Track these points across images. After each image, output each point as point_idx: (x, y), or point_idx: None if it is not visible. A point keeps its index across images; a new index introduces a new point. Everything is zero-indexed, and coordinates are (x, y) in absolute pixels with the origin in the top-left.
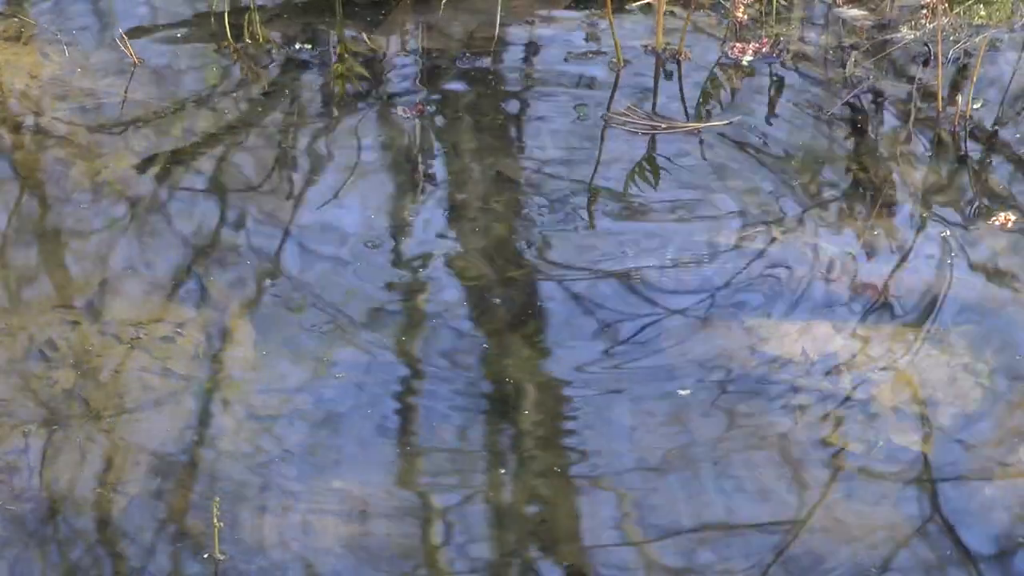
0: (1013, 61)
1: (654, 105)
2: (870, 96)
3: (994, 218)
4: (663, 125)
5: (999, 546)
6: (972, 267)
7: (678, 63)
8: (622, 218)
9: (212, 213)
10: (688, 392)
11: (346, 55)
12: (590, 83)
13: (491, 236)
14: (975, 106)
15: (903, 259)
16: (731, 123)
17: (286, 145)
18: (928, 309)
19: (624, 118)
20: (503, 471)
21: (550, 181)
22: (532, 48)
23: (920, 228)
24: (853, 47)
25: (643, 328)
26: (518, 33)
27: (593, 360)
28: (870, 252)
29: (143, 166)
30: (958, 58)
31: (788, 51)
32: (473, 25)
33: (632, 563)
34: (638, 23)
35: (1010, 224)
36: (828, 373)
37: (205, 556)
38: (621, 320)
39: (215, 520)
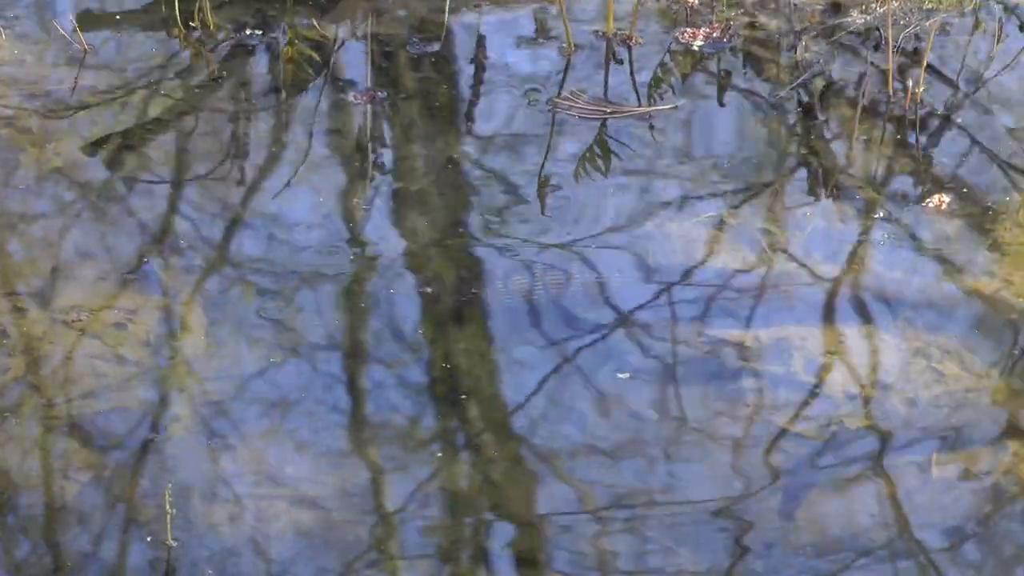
0: (963, 45)
1: (605, 90)
2: (820, 80)
3: (929, 200)
4: (608, 109)
5: (949, 531)
6: (920, 250)
7: (629, 48)
8: (571, 203)
9: (163, 199)
10: (628, 376)
11: (296, 41)
12: (541, 68)
13: (441, 222)
14: (920, 89)
15: (853, 242)
16: (676, 107)
17: (236, 131)
18: (878, 294)
19: (569, 103)
20: (453, 456)
21: (501, 167)
22: (482, 34)
23: (869, 211)
24: (804, 31)
25: (590, 313)
26: (468, 19)
27: (541, 344)
28: (818, 235)
29: (93, 152)
30: (908, 42)
31: (739, 36)
32: (423, 11)
33: (583, 547)
34: (588, 8)
35: (944, 206)
36: (779, 357)
37: (157, 542)
38: (569, 305)
39: (167, 507)
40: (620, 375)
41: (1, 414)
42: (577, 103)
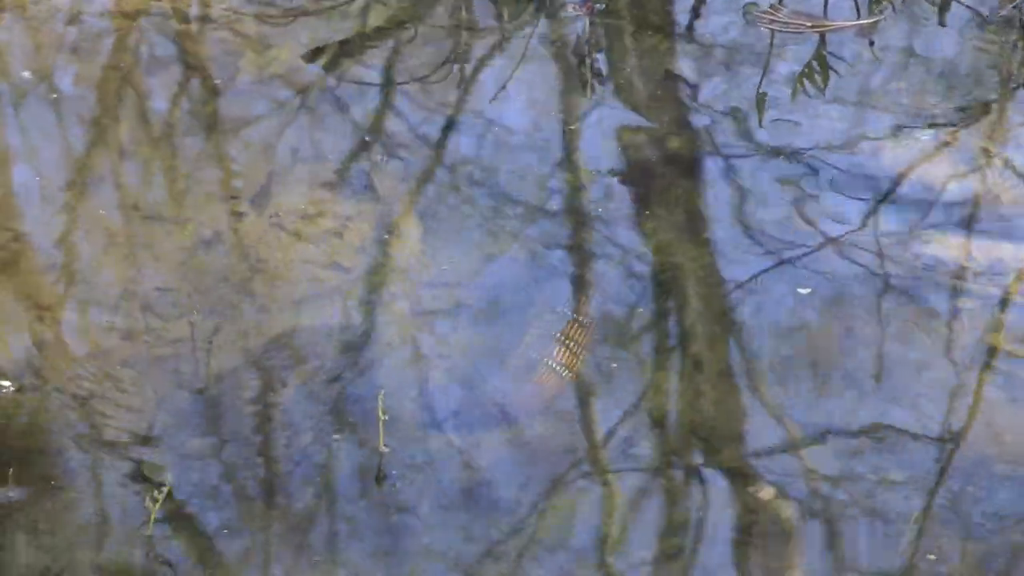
0: None
1: (825, 5)
2: None
3: None
4: (808, 24)
5: None
6: None
7: None
8: (787, 119)
9: (379, 105)
10: (808, 291)
11: None
12: None
13: (657, 133)
14: None
15: None
16: (877, 22)
17: (454, 40)
18: None
19: (769, 16)
20: (663, 370)
21: (717, 81)
22: None
23: None
24: None
25: (804, 230)
26: None
27: (754, 256)
28: None
29: (311, 57)
30: None
31: None
32: None
33: (789, 465)
34: None
35: None
36: (996, 278)
37: (369, 449)
38: (783, 220)
39: (380, 413)
40: (801, 290)
41: (216, 317)
42: (777, 16)
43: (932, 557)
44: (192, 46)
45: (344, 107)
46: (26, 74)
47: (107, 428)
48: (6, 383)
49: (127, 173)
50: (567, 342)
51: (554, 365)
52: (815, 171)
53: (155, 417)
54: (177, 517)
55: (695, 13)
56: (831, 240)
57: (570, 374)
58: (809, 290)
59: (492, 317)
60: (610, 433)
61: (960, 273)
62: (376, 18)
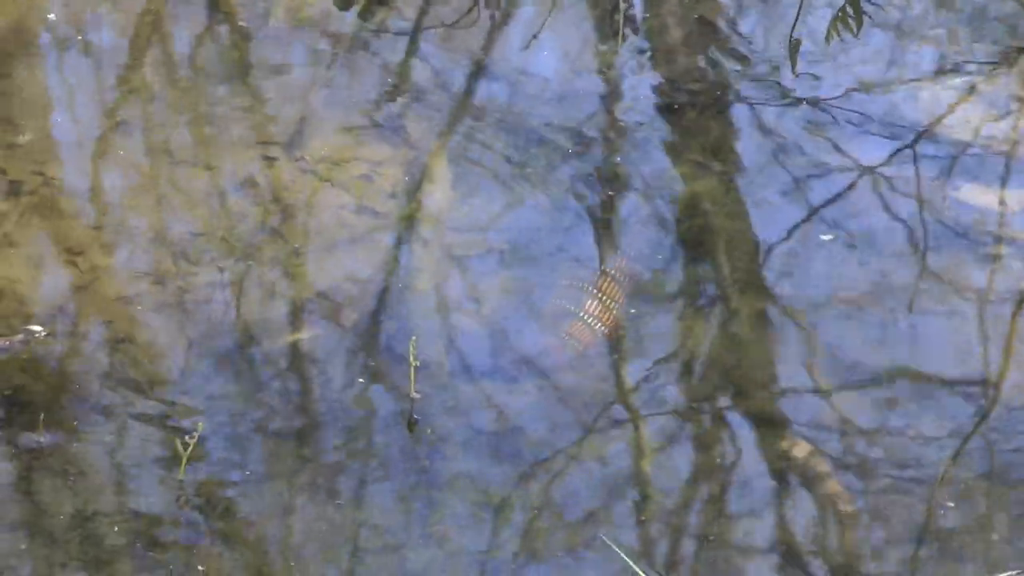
0: None
1: None
2: None
3: None
4: None
5: None
6: None
7: None
8: (819, 64)
9: (411, 51)
10: (831, 238)
11: None
12: None
13: (689, 80)
14: None
15: None
16: None
17: None
18: None
19: None
20: (695, 313)
21: (751, 25)
22: None
23: None
24: None
25: (834, 175)
26: None
27: (785, 200)
28: None
29: (344, 3)
30: None
31: None
32: None
33: (820, 413)
34: None
35: None
36: None
37: (400, 395)
38: (814, 166)
39: (411, 358)
40: (823, 236)
41: (246, 261)
42: None
43: (951, 504)
44: None
45: (376, 53)
46: (52, 16)
47: (138, 373)
48: (37, 328)
49: (158, 118)
50: (597, 289)
51: (584, 313)
52: (845, 117)
53: (186, 362)
54: (208, 462)
55: None
56: (860, 186)
57: (600, 322)
58: (832, 236)
59: (523, 262)
60: (640, 380)
61: (991, 220)
62: None
